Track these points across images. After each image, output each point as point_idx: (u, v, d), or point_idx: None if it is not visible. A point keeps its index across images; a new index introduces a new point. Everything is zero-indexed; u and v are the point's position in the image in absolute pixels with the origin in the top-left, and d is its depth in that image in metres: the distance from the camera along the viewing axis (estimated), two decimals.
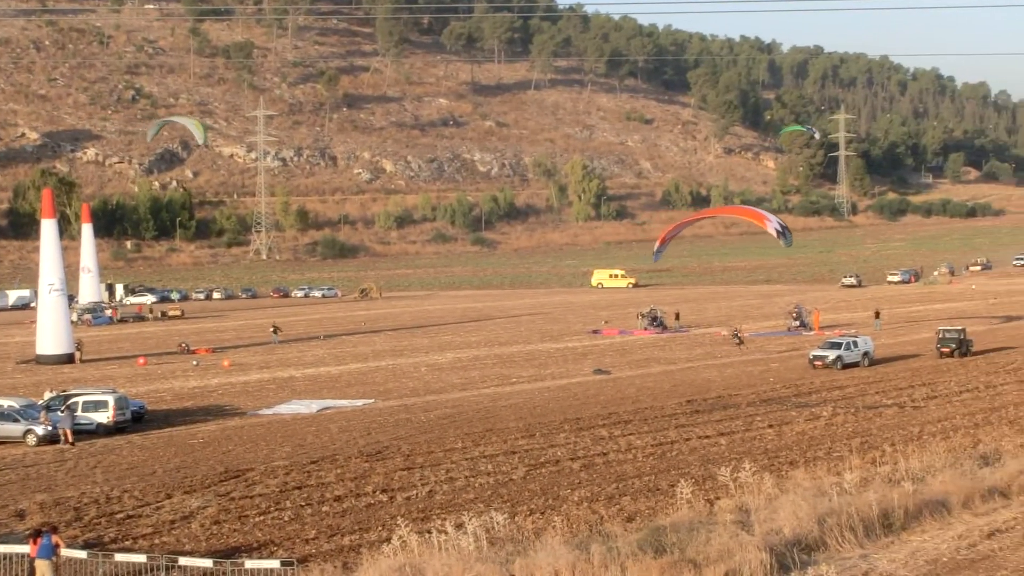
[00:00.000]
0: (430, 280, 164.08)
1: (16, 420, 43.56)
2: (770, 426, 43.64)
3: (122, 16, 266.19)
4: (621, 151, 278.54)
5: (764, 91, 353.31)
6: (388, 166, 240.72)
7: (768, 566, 23.51)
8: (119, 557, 25.54)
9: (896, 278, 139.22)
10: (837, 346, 61.96)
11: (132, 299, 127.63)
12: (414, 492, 33.74)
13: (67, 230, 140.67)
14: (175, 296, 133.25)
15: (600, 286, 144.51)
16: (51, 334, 69.34)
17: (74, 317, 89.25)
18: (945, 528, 27.31)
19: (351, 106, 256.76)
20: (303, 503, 32.68)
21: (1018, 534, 26.78)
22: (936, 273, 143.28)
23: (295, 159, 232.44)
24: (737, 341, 71.76)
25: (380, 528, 29.56)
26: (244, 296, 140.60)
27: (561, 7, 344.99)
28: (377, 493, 33.66)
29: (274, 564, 24.16)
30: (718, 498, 30.58)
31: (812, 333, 79.30)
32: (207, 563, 24.59)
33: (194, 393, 56.19)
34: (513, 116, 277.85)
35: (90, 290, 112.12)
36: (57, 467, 38.78)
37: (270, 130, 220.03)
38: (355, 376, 62.15)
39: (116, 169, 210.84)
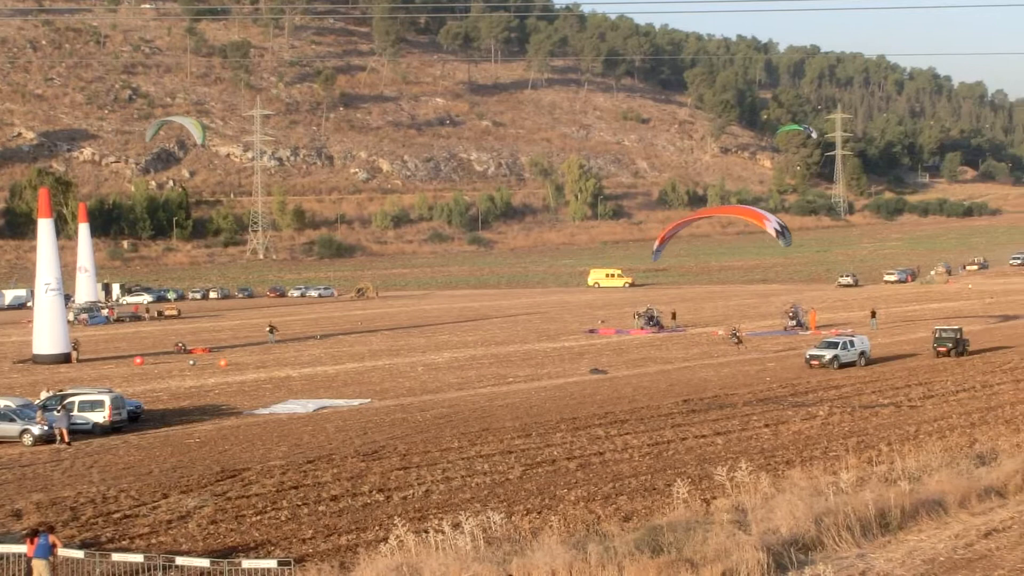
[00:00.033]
0: (427, 280, 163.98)
1: (12, 420, 43.56)
2: (766, 425, 43.66)
3: (119, 16, 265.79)
4: (618, 150, 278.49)
5: (761, 91, 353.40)
6: (385, 165, 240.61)
7: (765, 566, 23.51)
8: (116, 557, 25.51)
9: (892, 277, 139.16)
10: (833, 345, 61.99)
11: (129, 299, 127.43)
12: (411, 492, 33.74)
13: (64, 230, 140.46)
14: (171, 296, 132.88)
15: (597, 286, 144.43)
16: (47, 334, 69.29)
17: (71, 317, 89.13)
18: (942, 527, 27.32)
19: (348, 105, 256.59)
20: (300, 503, 32.68)
21: (1015, 533, 26.78)
22: (933, 272, 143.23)
23: (292, 158, 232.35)
24: (736, 341, 71.77)
25: (377, 528, 29.56)
26: (240, 296, 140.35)
27: (558, 7, 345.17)
28: (374, 493, 33.66)
29: (271, 564, 24.12)
30: (715, 498, 30.60)
31: (808, 332, 79.35)
32: (204, 563, 24.60)
33: (190, 393, 56.16)
34: (510, 115, 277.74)
35: (87, 290, 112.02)
36: (53, 467, 38.77)
37: (267, 129, 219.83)
38: (351, 376, 62.13)
39: (113, 168, 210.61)
